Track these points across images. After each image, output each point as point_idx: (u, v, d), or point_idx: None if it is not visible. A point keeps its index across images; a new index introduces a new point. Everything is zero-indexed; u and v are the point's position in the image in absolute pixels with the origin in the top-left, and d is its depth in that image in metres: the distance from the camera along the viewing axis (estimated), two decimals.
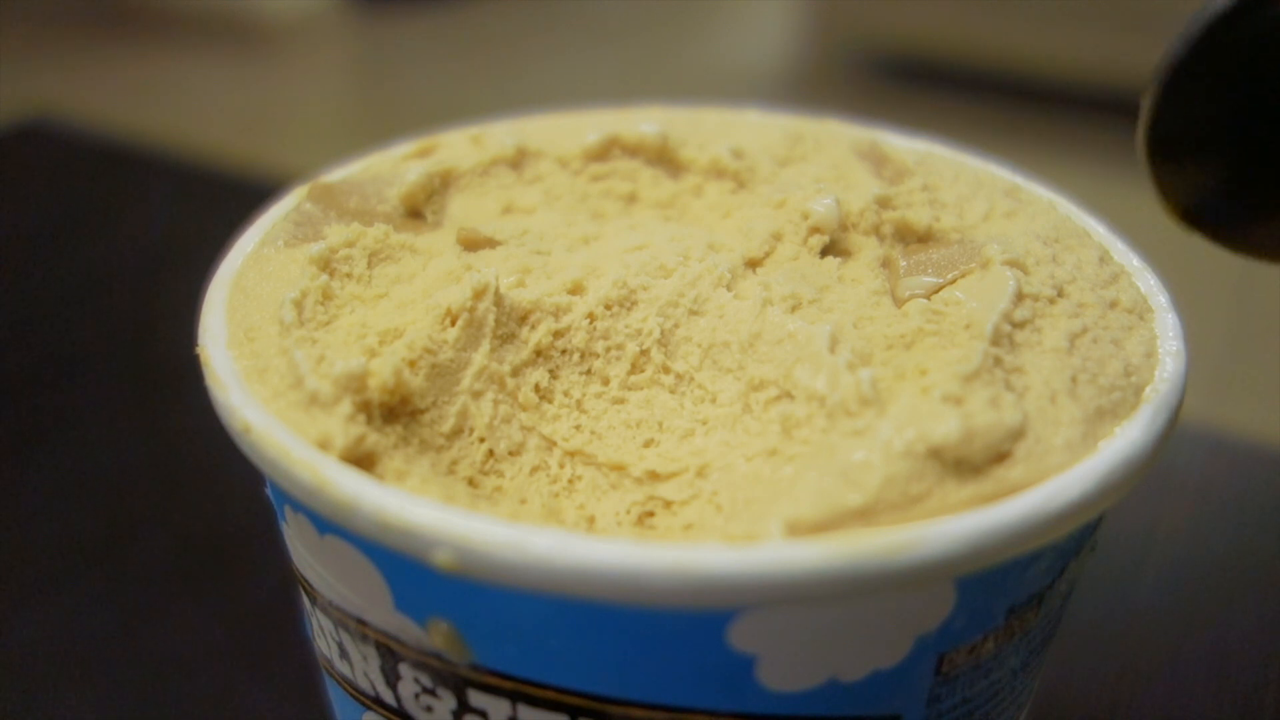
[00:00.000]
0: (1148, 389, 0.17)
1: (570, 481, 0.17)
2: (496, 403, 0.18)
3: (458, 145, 0.24)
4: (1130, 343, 0.18)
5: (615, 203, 0.23)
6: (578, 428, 0.18)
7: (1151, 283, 0.20)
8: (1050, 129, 1.54)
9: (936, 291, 0.19)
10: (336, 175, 0.23)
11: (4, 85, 1.54)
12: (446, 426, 0.17)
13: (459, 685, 0.16)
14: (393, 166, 0.23)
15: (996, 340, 0.17)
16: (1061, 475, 0.15)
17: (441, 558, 0.14)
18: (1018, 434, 0.16)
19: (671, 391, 0.18)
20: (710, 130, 0.24)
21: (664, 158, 0.23)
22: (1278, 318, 1.08)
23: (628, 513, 0.17)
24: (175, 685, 0.28)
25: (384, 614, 0.16)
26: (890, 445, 0.15)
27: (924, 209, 0.21)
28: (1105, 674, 0.28)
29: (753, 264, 0.20)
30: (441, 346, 0.17)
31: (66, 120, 0.66)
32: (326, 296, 0.19)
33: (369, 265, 0.20)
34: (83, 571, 0.31)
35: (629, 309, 0.19)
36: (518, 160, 0.23)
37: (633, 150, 0.23)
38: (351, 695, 0.18)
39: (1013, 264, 0.19)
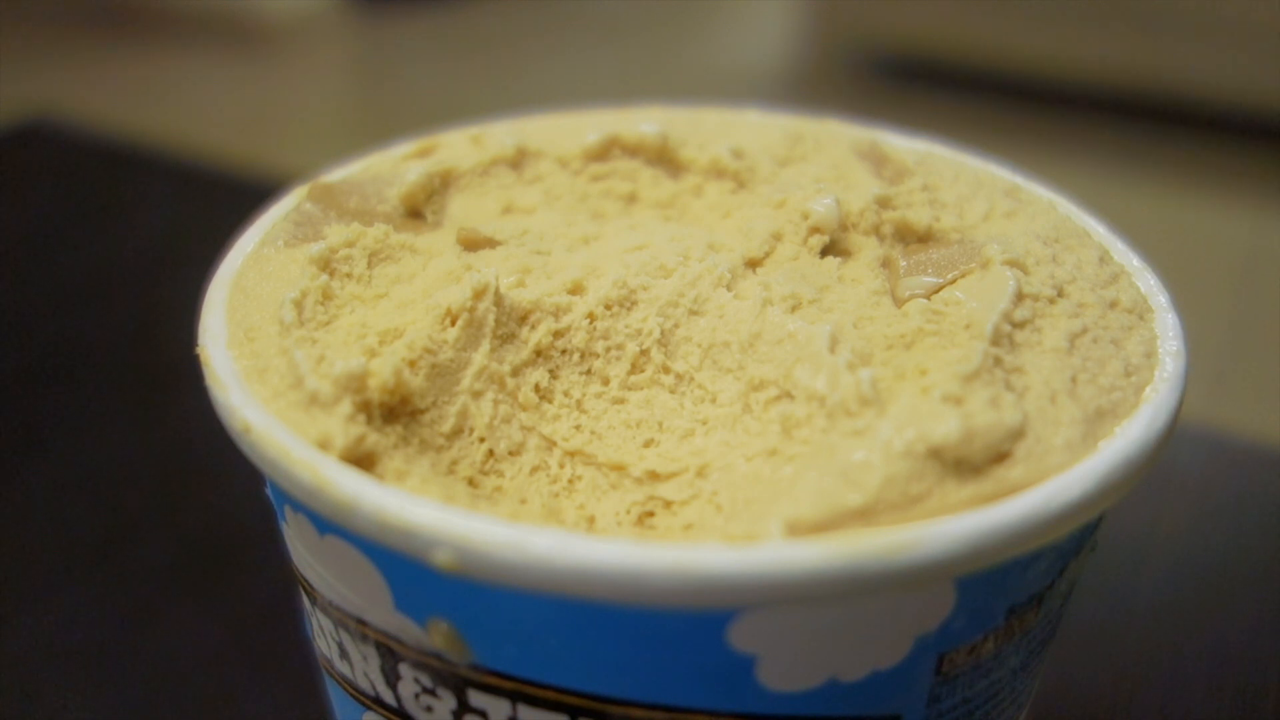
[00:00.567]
0: (1148, 389, 0.17)
1: (570, 481, 0.17)
2: (496, 403, 0.18)
3: (458, 145, 0.24)
4: (1130, 343, 0.18)
5: (615, 203, 0.23)
6: (578, 428, 0.18)
7: (1151, 283, 0.20)
8: (1050, 129, 1.54)
9: (936, 291, 0.19)
10: (336, 175, 0.23)
11: (4, 85, 1.54)
12: (446, 426, 0.17)
13: (459, 685, 0.16)
14: (393, 166, 0.23)
15: (996, 340, 0.17)
16: (1061, 475, 0.15)
17: (441, 558, 0.14)
18: (1018, 434, 0.16)
19: (671, 391, 0.18)
20: (710, 130, 0.24)
21: (664, 158, 0.23)
22: (1278, 318, 1.08)
23: (628, 513, 0.17)
24: (175, 685, 0.28)
25: (384, 614, 0.16)
26: (890, 445, 0.15)
27: (924, 209, 0.21)
28: (1105, 674, 0.28)
29: (753, 264, 0.20)
30: (441, 346, 0.17)
31: (67, 120, 0.66)
32: (326, 296, 0.19)
33: (369, 265, 0.20)
34: (83, 571, 0.31)
35: (629, 309, 0.19)
36: (518, 160, 0.23)
37: (633, 150, 0.23)
38: (351, 695, 0.18)
39: (1013, 264, 0.19)
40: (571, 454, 0.17)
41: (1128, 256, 0.21)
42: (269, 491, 0.18)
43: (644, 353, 0.18)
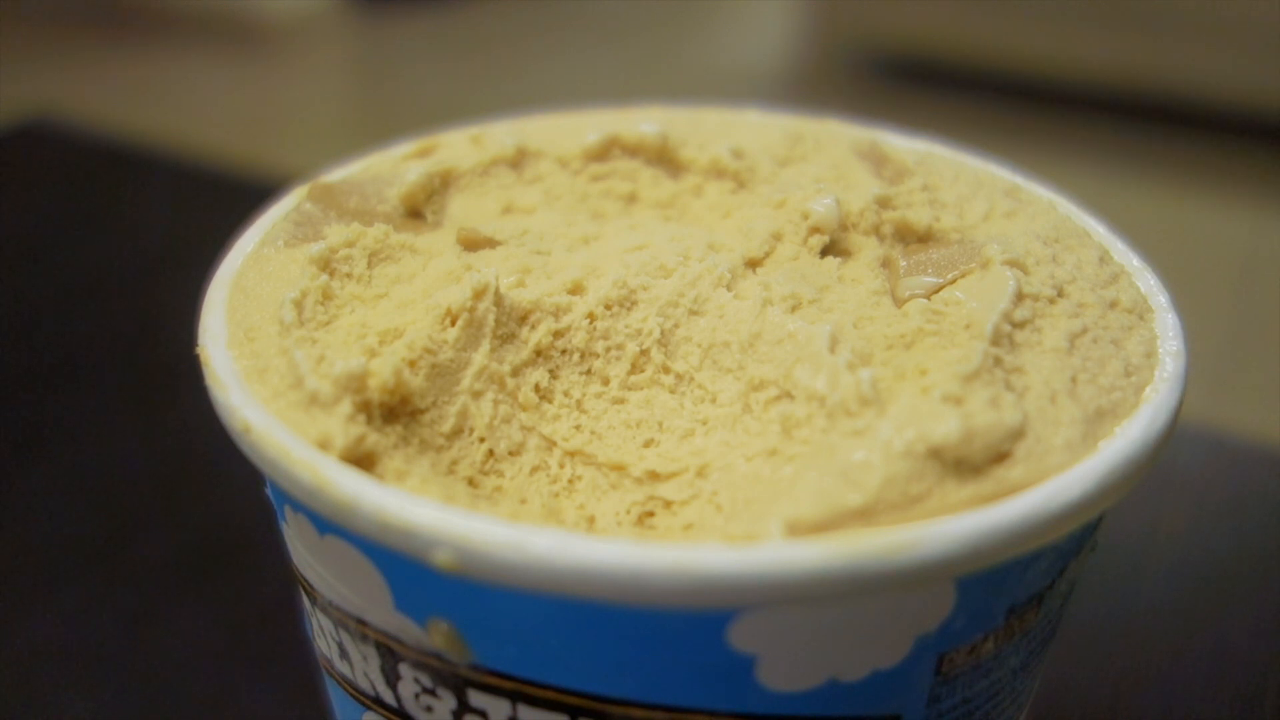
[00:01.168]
0: (1148, 389, 0.17)
1: (570, 481, 0.17)
2: (496, 403, 0.18)
3: (458, 145, 0.24)
4: (1130, 343, 0.18)
5: (615, 203, 0.23)
6: (578, 428, 0.18)
7: (1151, 283, 0.20)
8: (1050, 129, 1.54)
9: (936, 291, 0.19)
10: (336, 175, 0.23)
11: (4, 85, 1.54)
12: (446, 426, 0.17)
13: (459, 685, 0.16)
14: (393, 166, 0.23)
15: (996, 340, 0.17)
16: (1061, 475, 0.15)
17: (441, 558, 0.14)
18: (1018, 434, 0.16)
19: (671, 391, 0.18)
20: (710, 130, 0.24)
21: (664, 158, 0.23)
22: (1278, 318, 1.08)
23: (628, 513, 0.17)
24: (176, 685, 0.28)
25: (384, 614, 0.16)
26: (890, 445, 0.15)
27: (924, 209, 0.21)
28: (1105, 674, 0.28)
29: (753, 264, 0.20)
30: (441, 346, 0.17)
31: (67, 120, 0.66)
32: (326, 296, 0.19)
33: (369, 265, 0.20)
34: (83, 571, 0.31)
35: (629, 309, 0.19)
36: (518, 160, 0.23)
37: (633, 150, 0.23)
38: (351, 695, 0.18)
39: (1013, 264, 0.19)
40: (571, 454, 0.17)
41: (1128, 256, 0.21)
42: (269, 491, 0.18)
43: (644, 353, 0.18)
